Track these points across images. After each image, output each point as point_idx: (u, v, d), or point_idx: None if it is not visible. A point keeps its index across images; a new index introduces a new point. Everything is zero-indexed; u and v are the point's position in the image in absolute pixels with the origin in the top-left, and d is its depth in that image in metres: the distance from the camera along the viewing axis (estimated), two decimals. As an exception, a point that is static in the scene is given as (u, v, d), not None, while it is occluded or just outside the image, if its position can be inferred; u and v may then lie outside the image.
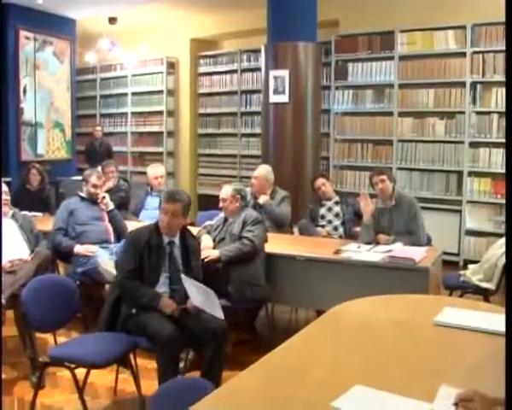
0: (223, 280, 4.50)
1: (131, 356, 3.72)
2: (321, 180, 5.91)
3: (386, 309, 3.21)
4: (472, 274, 5.01)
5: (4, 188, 4.92)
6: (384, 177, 5.16)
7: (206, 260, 4.48)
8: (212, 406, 2.04)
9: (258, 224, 4.77)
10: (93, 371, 3.75)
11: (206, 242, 4.79)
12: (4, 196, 4.88)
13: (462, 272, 5.13)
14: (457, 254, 7.76)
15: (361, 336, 2.80)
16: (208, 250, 4.63)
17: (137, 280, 3.80)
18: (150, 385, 4.04)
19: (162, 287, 3.88)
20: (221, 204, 4.97)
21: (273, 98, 7.45)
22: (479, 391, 1.91)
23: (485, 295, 4.86)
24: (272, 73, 7.43)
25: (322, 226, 5.77)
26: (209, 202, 9.78)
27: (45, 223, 5.80)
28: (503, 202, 7.26)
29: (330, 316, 3.11)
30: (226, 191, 4.96)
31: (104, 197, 5.42)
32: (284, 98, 7.36)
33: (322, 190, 5.85)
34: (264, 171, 6.00)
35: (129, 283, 3.81)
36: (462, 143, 7.73)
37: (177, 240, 3.99)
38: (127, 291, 3.82)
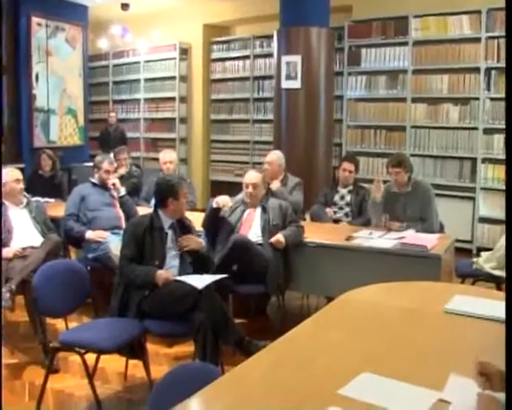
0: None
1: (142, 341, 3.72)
2: (351, 166, 5.81)
3: (396, 296, 3.19)
4: (484, 262, 4.96)
5: (19, 175, 4.92)
6: (400, 170, 5.10)
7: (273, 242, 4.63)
8: (214, 394, 2.03)
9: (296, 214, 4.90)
10: (103, 357, 3.76)
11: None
12: (21, 185, 4.88)
13: (474, 260, 5.08)
14: (470, 242, 7.71)
15: (370, 322, 2.78)
16: (277, 236, 4.68)
17: (137, 264, 3.84)
18: (160, 370, 4.05)
19: (171, 262, 3.98)
20: (250, 190, 4.88)
21: (285, 84, 7.42)
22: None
23: (497, 283, 4.82)
24: (284, 59, 7.39)
25: (334, 213, 5.74)
26: (221, 188, 9.77)
27: (57, 209, 5.81)
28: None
29: (339, 303, 3.09)
30: (256, 177, 4.93)
31: (115, 184, 5.42)
32: (296, 84, 7.32)
33: (347, 175, 5.77)
34: (276, 156, 5.97)
35: (127, 268, 3.84)
36: (476, 129, 7.66)
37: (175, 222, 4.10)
38: (126, 276, 3.85)
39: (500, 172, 7.53)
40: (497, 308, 2.80)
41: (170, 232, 4.02)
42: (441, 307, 2.86)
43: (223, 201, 4.81)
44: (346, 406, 1.91)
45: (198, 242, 4.14)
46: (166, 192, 3.99)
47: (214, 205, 4.79)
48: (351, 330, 2.68)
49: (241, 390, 2.07)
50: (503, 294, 3.34)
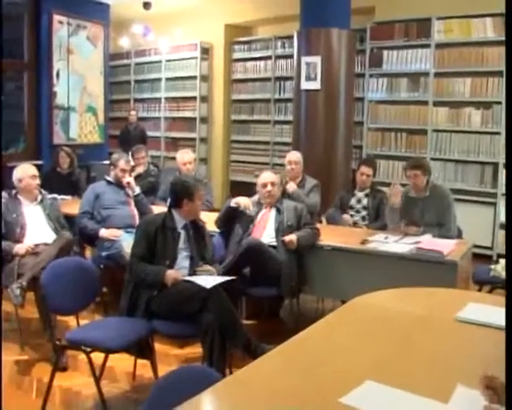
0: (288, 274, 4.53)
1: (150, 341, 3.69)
2: (368, 170, 5.74)
3: (408, 302, 3.12)
4: (502, 269, 4.84)
5: (35, 171, 4.94)
6: (418, 172, 5.02)
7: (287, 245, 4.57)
8: (213, 397, 1.99)
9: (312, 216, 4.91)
10: (112, 356, 3.72)
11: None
12: (36, 181, 4.89)
13: (492, 267, 4.97)
14: (491, 248, 7.58)
15: (380, 328, 2.71)
16: (289, 236, 4.62)
17: (148, 264, 3.81)
18: (168, 371, 4.02)
19: (182, 262, 3.94)
20: (269, 188, 4.83)
21: (305, 85, 7.36)
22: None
23: (515, 290, 4.70)
24: (304, 60, 7.33)
25: (351, 216, 5.67)
26: (241, 189, 9.72)
27: (74, 206, 5.79)
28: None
29: (350, 307, 3.04)
30: (274, 176, 4.90)
31: (129, 182, 5.40)
32: (316, 85, 7.26)
33: (364, 179, 5.71)
34: (299, 156, 5.91)
35: (137, 267, 3.81)
36: (498, 134, 7.52)
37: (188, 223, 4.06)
38: (136, 275, 3.81)
39: (522, 177, 7.38)
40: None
41: (183, 233, 3.98)
42: (453, 315, 2.79)
43: (244, 202, 4.80)
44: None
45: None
46: (181, 193, 3.96)
47: (233, 205, 4.77)
48: (360, 335, 2.62)
49: (241, 394, 2.03)
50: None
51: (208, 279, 3.73)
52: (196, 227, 4.09)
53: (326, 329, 2.73)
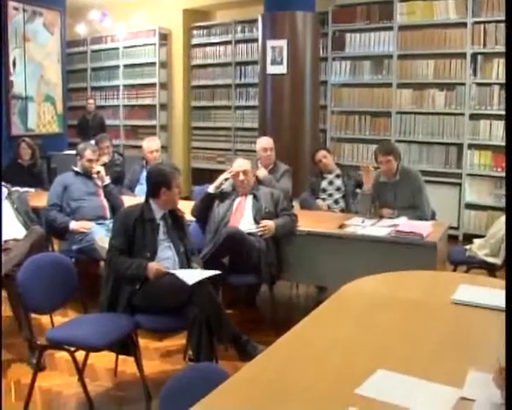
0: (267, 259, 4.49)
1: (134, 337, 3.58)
2: (322, 153, 5.76)
3: (399, 287, 3.08)
4: (478, 249, 4.89)
5: None
6: (390, 158, 4.99)
7: (264, 231, 4.53)
8: (228, 396, 1.91)
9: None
10: (92, 353, 3.60)
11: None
12: None
13: (467, 247, 5.00)
14: (457, 228, 7.65)
15: (378, 315, 2.66)
16: (267, 221, 4.57)
17: (127, 256, 3.68)
18: (152, 365, 3.96)
19: (164, 254, 3.81)
20: (242, 177, 4.73)
21: (271, 69, 7.30)
22: None
23: (491, 270, 4.75)
24: (270, 44, 7.26)
25: (323, 200, 5.64)
26: (203, 176, 9.66)
27: (38, 199, 5.63)
28: (504, 175, 7.17)
29: (342, 295, 2.96)
30: (245, 163, 4.82)
31: (99, 172, 5.26)
32: (282, 69, 7.21)
33: (324, 162, 5.71)
34: (272, 141, 5.80)
35: (117, 260, 3.67)
36: (462, 115, 7.58)
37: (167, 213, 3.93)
38: (116, 269, 3.68)
39: (486, 157, 7.48)
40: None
41: (162, 223, 3.85)
42: (448, 298, 2.76)
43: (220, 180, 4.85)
44: (366, 406, 1.80)
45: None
46: (159, 182, 3.81)
47: (211, 190, 4.75)
48: (358, 325, 2.56)
49: (254, 391, 1.95)
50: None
51: (190, 274, 3.62)
52: (175, 217, 3.97)
53: (324, 319, 2.66)
